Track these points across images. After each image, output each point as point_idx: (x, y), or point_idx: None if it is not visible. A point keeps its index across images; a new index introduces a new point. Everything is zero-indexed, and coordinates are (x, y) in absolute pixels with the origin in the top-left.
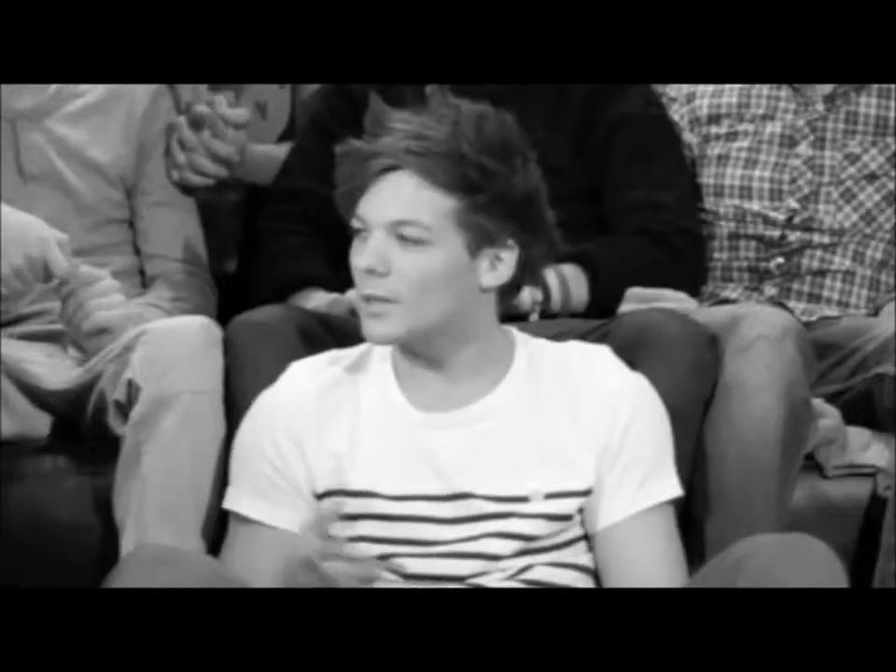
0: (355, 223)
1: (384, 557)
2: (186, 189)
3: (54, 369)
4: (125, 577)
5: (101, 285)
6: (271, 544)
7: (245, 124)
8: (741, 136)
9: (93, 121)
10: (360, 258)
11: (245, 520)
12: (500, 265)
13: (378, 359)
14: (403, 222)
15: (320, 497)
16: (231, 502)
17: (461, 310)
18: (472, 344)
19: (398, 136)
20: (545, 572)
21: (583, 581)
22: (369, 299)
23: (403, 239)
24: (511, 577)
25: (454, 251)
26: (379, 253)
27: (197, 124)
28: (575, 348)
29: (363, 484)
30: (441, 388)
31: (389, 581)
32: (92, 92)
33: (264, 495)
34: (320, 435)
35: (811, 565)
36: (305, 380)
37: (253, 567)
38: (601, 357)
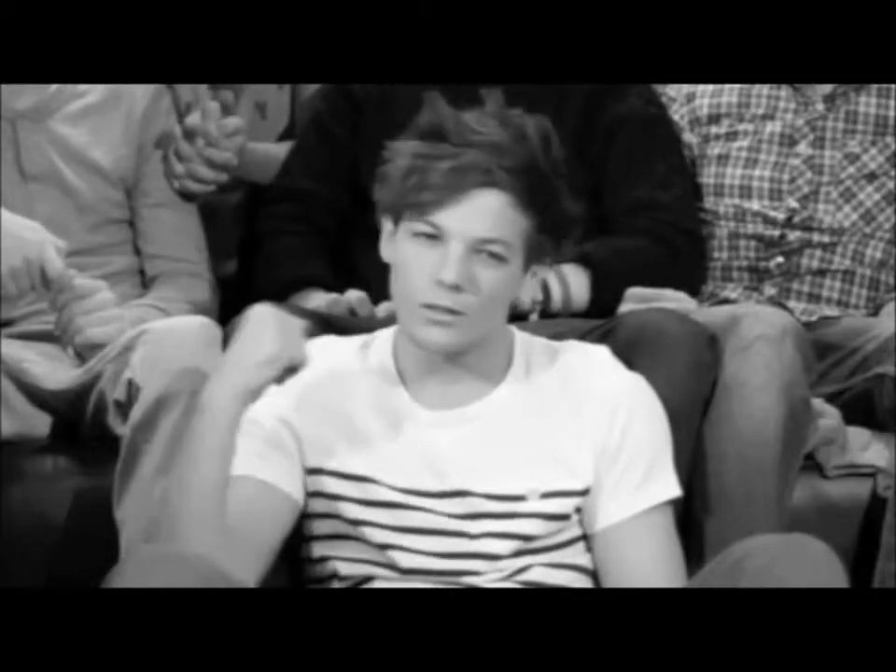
0: (424, 228)
1: (384, 546)
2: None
3: (53, 368)
4: (125, 577)
5: (95, 299)
6: (266, 500)
7: (236, 132)
8: (741, 136)
9: (94, 122)
10: (446, 271)
11: (242, 479)
12: (535, 279)
13: (378, 352)
14: (490, 240)
15: (310, 472)
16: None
17: (500, 321)
18: (480, 346)
19: (488, 150)
20: (543, 573)
21: (582, 582)
22: (435, 307)
23: (485, 255)
24: (510, 577)
25: (518, 268)
26: (465, 269)
27: (190, 135)
28: (574, 348)
29: (363, 470)
30: (443, 386)
31: (389, 578)
32: (93, 93)
33: (260, 459)
34: (313, 412)
35: (811, 565)
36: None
37: (250, 520)
38: (600, 357)
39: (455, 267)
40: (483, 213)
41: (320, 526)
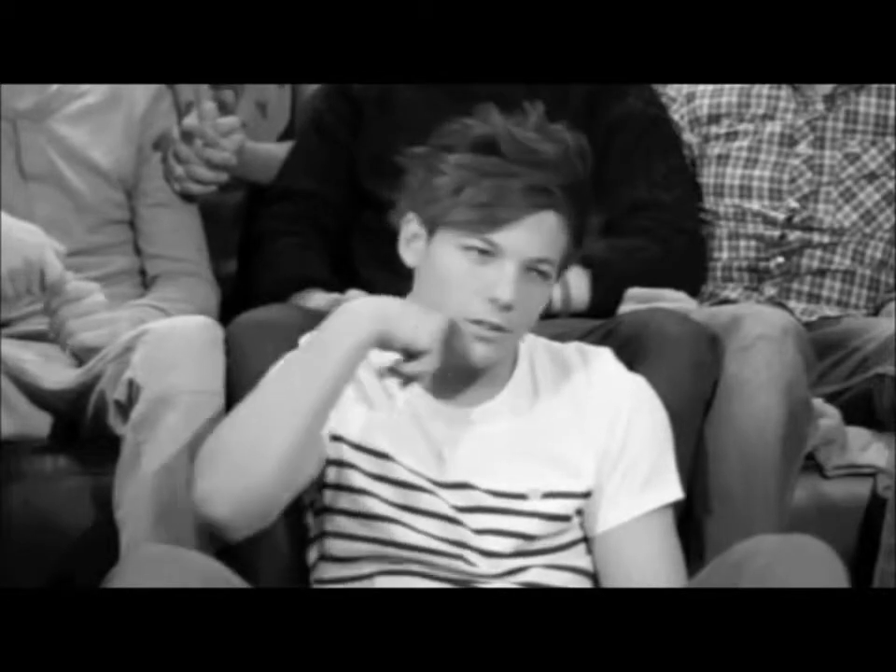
0: (478, 244)
1: (386, 519)
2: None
3: (52, 368)
4: (125, 577)
5: (86, 302)
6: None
7: (232, 131)
8: (741, 136)
9: (94, 123)
10: (501, 290)
11: None
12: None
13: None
14: (542, 260)
15: (333, 438)
16: None
17: None
18: None
19: (546, 170)
20: (542, 574)
21: (580, 584)
22: (482, 323)
23: (534, 273)
24: (508, 576)
25: (553, 281)
26: (519, 288)
27: (188, 136)
28: (576, 350)
29: (379, 446)
30: (452, 384)
31: (385, 555)
32: (93, 94)
33: None
34: None
35: (811, 565)
36: None
37: None
38: (602, 359)
39: (511, 287)
40: (539, 233)
41: (329, 498)
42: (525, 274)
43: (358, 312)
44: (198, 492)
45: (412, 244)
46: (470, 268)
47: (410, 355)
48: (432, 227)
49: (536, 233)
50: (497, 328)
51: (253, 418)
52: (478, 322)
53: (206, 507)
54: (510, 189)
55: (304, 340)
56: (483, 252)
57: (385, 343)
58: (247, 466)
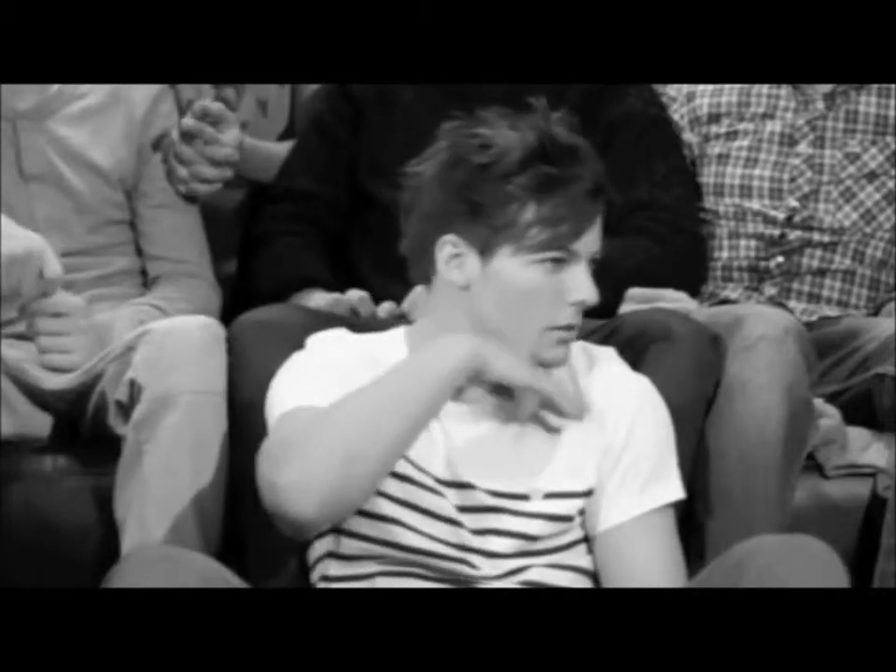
0: (556, 255)
1: (389, 520)
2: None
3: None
4: (125, 576)
5: (63, 323)
6: None
7: (222, 119)
8: (741, 135)
9: (94, 124)
10: (585, 293)
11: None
12: None
13: (394, 349)
14: (598, 251)
15: None
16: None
17: None
18: None
19: (592, 167)
20: (543, 573)
21: (581, 584)
22: (568, 327)
23: (590, 264)
24: (508, 576)
25: None
26: (595, 288)
27: (188, 136)
28: (579, 349)
29: None
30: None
31: (389, 556)
32: (93, 94)
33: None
34: (347, 382)
35: (811, 565)
36: (329, 337)
37: None
38: (607, 359)
39: (591, 286)
40: (599, 228)
41: None
42: (588, 269)
43: (459, 344)
44: (281, 482)
45: (453, 262)
46: (547, 278)
47: (498, 388)
48: (488, 247)
49: (598, 230)
50: (575, 327)
51: (359, 420)
52: (565, 327)
53: (291, 500)
54: (576, 198)
55: (398, 363)
56: (557, 260)
57: (477, 376)
58: (347, 466)
